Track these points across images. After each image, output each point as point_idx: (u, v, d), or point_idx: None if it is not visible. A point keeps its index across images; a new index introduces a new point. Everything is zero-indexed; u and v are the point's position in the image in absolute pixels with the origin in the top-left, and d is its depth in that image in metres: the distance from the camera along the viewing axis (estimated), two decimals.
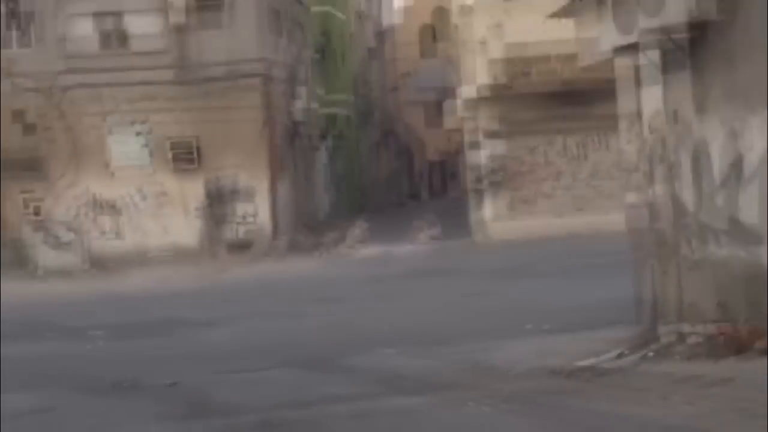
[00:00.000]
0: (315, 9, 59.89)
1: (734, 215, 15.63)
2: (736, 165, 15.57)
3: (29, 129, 45.66)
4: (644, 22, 16.05)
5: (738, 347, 15.26)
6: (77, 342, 25.07)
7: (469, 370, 17.70)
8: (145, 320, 27.61)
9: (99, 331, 26.32)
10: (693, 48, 16.10)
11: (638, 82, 17.54)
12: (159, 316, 28.14)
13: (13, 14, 45.50)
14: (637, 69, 17.44)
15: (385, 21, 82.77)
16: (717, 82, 15.82)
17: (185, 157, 46.08)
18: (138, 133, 46.19)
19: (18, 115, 45.48)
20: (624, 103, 18.24)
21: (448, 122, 51.87)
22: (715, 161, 15.98)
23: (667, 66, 16.66)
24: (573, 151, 45.76)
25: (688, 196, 16.60)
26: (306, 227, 50.71)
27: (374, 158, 72.22)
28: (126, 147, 46.32)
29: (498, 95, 45.03)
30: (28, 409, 17.18)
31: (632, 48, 16.77)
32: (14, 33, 45.75)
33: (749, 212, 15.39)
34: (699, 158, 16.29)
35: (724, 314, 15.71)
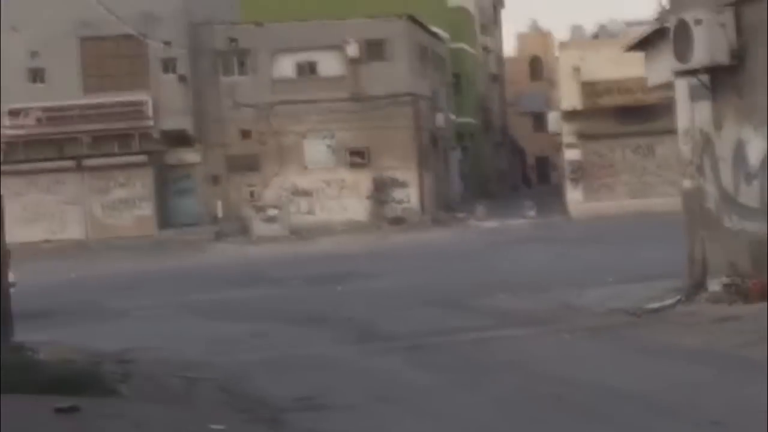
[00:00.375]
0: (452, 45, 59.71)
1: (763, 197, 15.43)
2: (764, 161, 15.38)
3: (247, 136, 46.25)
4: (677, 65, 16.03)
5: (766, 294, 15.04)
6: (282, 288, 25.28)
7: (562, 310, 17.58)
8: (329, 273, 27.69)
9: (297, 280, 26.53)
10: (713, 82, 16.11)
11: (692, 98, 17.31)
12: (339, 270, 28.23)
13: (234, 50, 46.04)
14: (691, 88, 17.22)
15: (505, 53, 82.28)
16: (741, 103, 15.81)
17: (358, 157, 46.30)
18: (324, 139, 46.56)
19: (238, 126, 46.10)
20: (681, 114, 18.01)
21: (551, 128, 51.27)
22: (750, 158, 15.76)
23: (714, 86, 16.47)
24: (643, 150, 45.14)
25: (728, 183, 16.38)
26: (444, 207, 50.68)
27: (494, 156, 71.76)
28: (317, 150, 46.70)
29: (586, 109, 44.56)
30: (248, 334, 17.49)
31: (688, 72, 16.55)
32: (235, 64, 46.33)
33: None
34: (737, 155, 16.07)
35: (756, 270, 15.48)
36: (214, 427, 9.93)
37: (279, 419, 10.53)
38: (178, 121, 45.05)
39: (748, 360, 11.68)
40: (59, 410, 9.83)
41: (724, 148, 16.27)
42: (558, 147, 52.07)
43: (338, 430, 9.89)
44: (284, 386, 12.46)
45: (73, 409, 9.87)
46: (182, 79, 45.03)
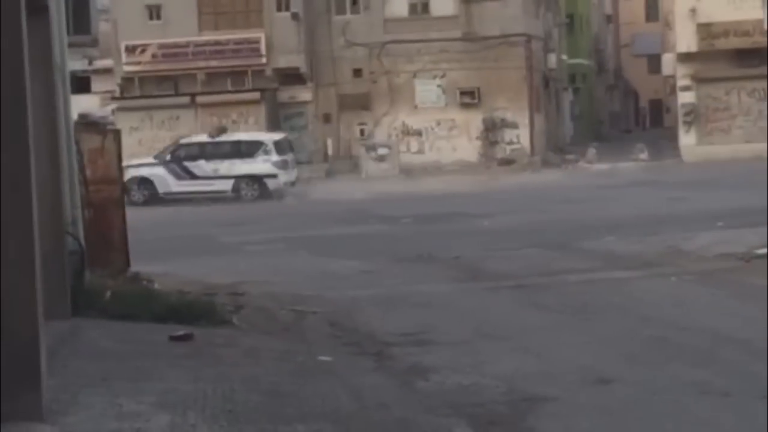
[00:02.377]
0: None
1: None
2: None
3: (358, 75, 46.41)
4: None
5: None
6: (391, 225, 25.42)
7: (671, 253, 17.47)
8: (438, 212, 27.74)
9: (406, 218, 26.63)
10: None
11: None
12: (448, 210, 28.29)
13: None
14: None
15: None
16: None
17: (469, 97, 46.11)
18: (435, 79, 46.46)
19: (350, 65, 46.29)
20: None
21: (665, 70, 50.29)
22: None
23: None
24: (759, 93, 44.07)
25: None
26: (555, 149, 50.28)
27: (607, 98, 70.79)
28: (427, 90, 46.64)
29: (702, 51, 43.67)
30: (357, 270, 17.73)
31: None
32: (348, 3, 46.36)
33: None
34: None
35: None
36: (321, 358, 10.22)
37: (384, 353, 10.78)
38: (291, 59, 45.40)
39: None
40: (174, 338, 10.23)
41: None
42: (672, 90, 51.15)
43: (442, 364, 10.09)
44: (391, 322, 12.70)
45: (186, 337, 10.26)
46: (295, 17, 45.29)
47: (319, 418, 7.64)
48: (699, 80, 44.59)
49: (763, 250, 16.43)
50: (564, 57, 56.15)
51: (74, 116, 13.77)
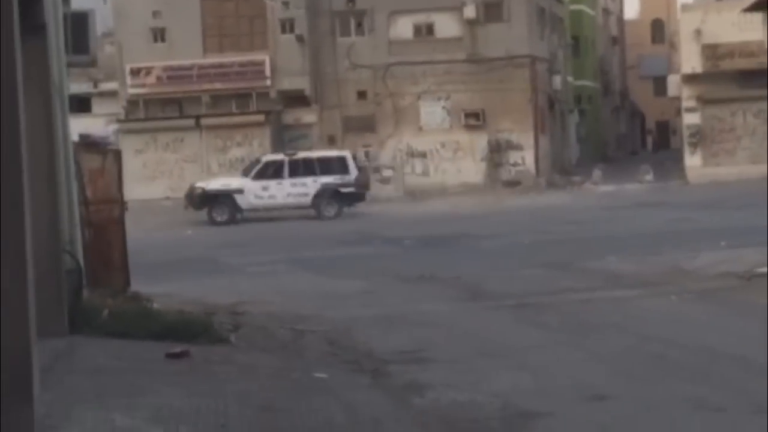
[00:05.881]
0: (571, 7, 59.03)
1: None
2: None
3: (363, 97, 46.57)
4: None
5: None
6: (394, 247, 25.48)
7: (672, 273, 17.49)
8: (442, 233, 27.82)
9: (409, 240, 26.72)
10: None
11: None
12: (452, 231, 28.34)
13: (351, 11, 46.34)
14: None
15: (626, 15, 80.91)
16: None
17: (474, 119, 46.23)
18: (440, 100, 46.60)
19: (355, 87, 46.46)
20: None
21: (671, 92, 50.43)
22: None
23: None
24: (765, 114, 44.13)
25: None
26: (560, 170, 50.36)
27: (613, 120, 70.90)
28: (432, 112, 46.78)
29: (707, 72, 43.81)
30: (359, 291, 17.78)
31: None
32: (352, 25, 46.64)
33: None
34: None
35: None
36: (317, 375, 10.26)
37: (381, 370, 10.82)
38: (296, 81, 45.60)
39: None
40: (170, 355, 10.29)
41: None
42: (678, 111, 51.26)
43: (438, 381, 10.12)
44: (390, 340, 12.74)
45: (182, 354, 10.31)
46: (300, 39, 45.53)
47: None
48: (704, 101, 44.72)
49: (764, 269, 16.46)
50: (570, 79, 56.30)
51: (75, 137, 13.86)
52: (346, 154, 38.71)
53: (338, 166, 37.36)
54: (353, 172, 37.22)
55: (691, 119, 45.32)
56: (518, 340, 12.50)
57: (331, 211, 36.49)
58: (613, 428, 8.14)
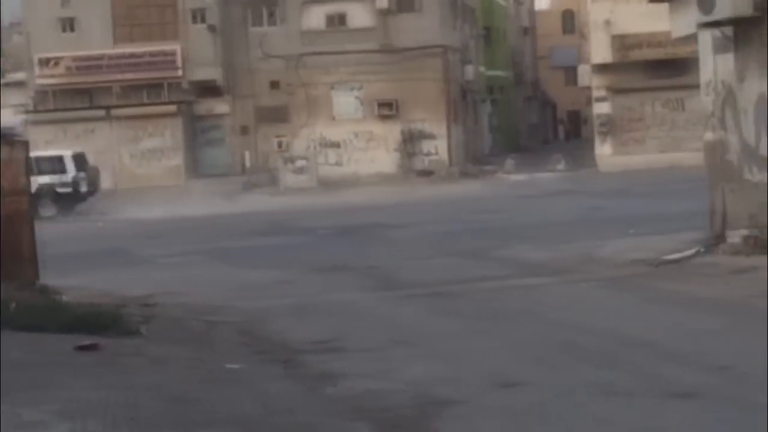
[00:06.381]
0: None
1: None
2: None
3: (276, 87, 46.37)
4: (700, 17, 15.91)
5: None
6: (308, 237, 25.45)
7: (583, 260, 17.68)
8: (355, 223, 27.85)
9: (323, 230, 26.72)
10: (736, 34, 16.09)
11: (715, 51, 17.28)
12: (366, 221, 28.37)
13: (263, 1, 46.05)
14: (715, 40, 17.18)
15: (537, 6, 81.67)
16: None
17: (387, 109, 46.34)
18: (353, 90, 46.61)
19: (268, 77, 46.22)
20: (704, 66, 17.97)
21: (581, 81, 51.02)
22: None
23: (737, 39, 16.43)
24: (673, 104, 44.90)
25: (749, 135, 16.38)
26: (473, 160, 50.74)
27: (525, 110, 71.57)
28: (345, 102, 46.79)
29: (616, 62, 44.45)
30: (274, 280, 17.74)
31: (712, 24, 16.50)
32: (264, 14, 46.38)
33: None
34: (759, 108, 16.06)
35: None
36: (229, 365, 10.19)
37: (294, 360, 10.78)
38: (208, 71, 45.25)
39: (760, 309, 11.79)
40: (79, 348, 10.13)
41: (746, 100, 16.29)
42: (588, 101, 51.89)
43: (352, 371, 10.11)
44: (303, 330, 12.70)
45: (92, 347, 10.16)
46: (212, 29, 45.17)
47: (223, 423, 7.63)
48: (614, 91, 45.31)
49: (674, 256, 16.74)
50: (482, 69, 56.68)
51: None
52: (64, 153, 37.97)
53: (56, 166, 36.75)
54: (71, 172, 36.74)
55: (601, 109, 45.92)
56: (432, 329, 12.54)
57: (48, 212, 35.28)
58: (523, 415, 8.20)
